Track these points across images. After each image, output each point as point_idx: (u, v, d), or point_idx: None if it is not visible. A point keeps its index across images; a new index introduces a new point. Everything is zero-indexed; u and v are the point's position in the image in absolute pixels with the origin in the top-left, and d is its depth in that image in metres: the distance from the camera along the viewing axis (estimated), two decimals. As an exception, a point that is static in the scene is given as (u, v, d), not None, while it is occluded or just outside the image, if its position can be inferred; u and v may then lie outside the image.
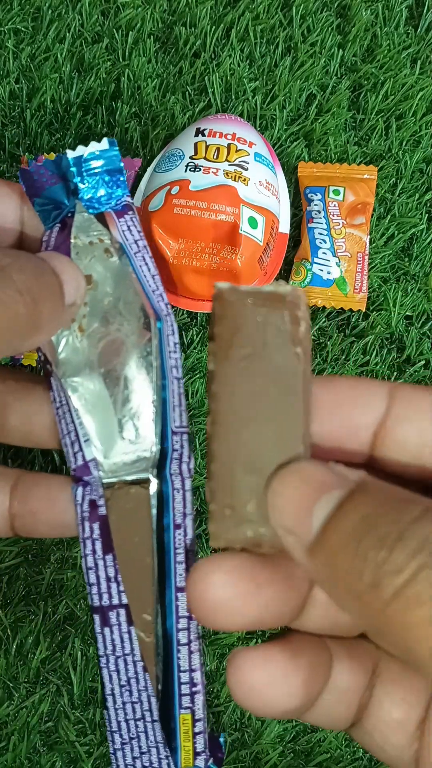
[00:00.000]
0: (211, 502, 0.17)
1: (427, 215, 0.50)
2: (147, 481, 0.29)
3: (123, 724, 0.29)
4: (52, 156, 0.50)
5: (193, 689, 0.28)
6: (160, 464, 0.29)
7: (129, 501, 0.29)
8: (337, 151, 0.50)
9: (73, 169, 0.29)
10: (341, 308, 0.47)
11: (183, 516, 0.29)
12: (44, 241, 0.29)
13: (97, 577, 0.28)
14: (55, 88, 0.52)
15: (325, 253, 0.47)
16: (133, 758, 0.29)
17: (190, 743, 0.28)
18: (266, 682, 0.17)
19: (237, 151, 0.44)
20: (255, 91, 0.52)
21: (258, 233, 0.43)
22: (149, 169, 0.48)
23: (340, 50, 0.53)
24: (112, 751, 0.29)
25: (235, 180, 0.43)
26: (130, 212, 0.30)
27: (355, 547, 0.15)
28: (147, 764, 0.29)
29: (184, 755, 0.28)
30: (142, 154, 0.51)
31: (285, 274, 0.48)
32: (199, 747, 0.28)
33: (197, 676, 0.28)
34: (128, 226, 0.29)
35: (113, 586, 0.28)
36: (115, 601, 0.28)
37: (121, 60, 0.53)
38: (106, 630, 0.28)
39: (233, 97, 0.52)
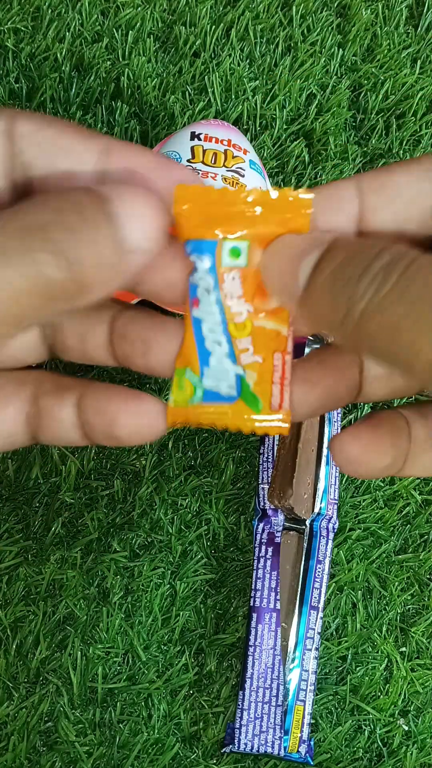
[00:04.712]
0: None
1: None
2: (303, 529, 0.43)
3: (253, 705, 0.38)
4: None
5: (309, 686, 0.37)
6: (315, 519, 0.42)
7: (290, 539, 0.42)
8: (337, 151, 0.50)
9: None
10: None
11: (324, 556, 0.42)
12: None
13: (263, 586, 0.40)
14: (55, 88, 0.52)
15: (223, 364, 0.25)
16: (253, 735, 0.37)
17: (298, 730, 0.37)
18: (360, 452, 0.23)
19: (234, 157, 0.44)
20: (255, 91, 0.52)
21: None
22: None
23: (340, 50, 0.53)
24: (237, 726, 0.38)
25: (232, 186, 0.43)
26: None
27: (330, 290, 0.19)
28: (263, 742, 0.37)
29: (292, 740, 0.37)
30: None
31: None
32: (304, 736, 0.37)
33: (313, 677, 0.37)
34: None
35: (272, 594, 0.39)
36: (271, 606, 0.39)
37: (120, 59, 0.53)
38: (259, 626, 0.39)
39: (233, 96, 0.52)
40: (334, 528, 0.43)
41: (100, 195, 0.20)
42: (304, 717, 0.38)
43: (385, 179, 0.21)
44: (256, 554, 0.41)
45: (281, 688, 0.38)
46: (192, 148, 0.44)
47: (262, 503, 0.43)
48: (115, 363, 0.27)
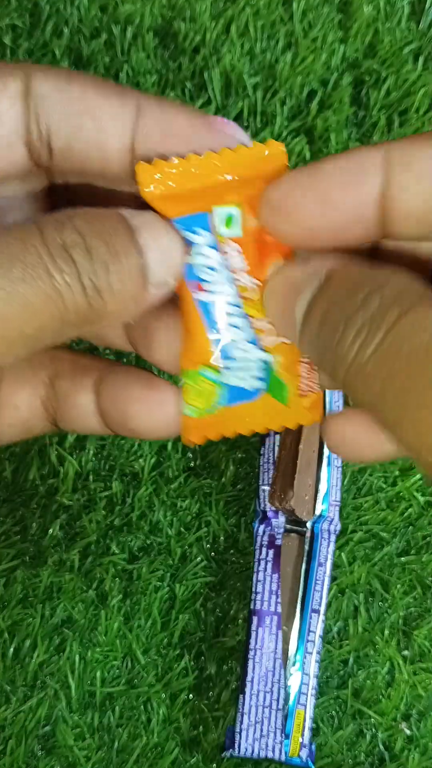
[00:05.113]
0: None
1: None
2: (305, 532, 0.42)
3: (253, 709, 0.37)
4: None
5: (311, 690, 0.36)
6: (317, 521, 0.42)
7: (291, 541, 0.42)
8: (338, 148, 0.50)
9: None
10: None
11: (325, 559, 0.41)
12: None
13: (263, 588, 0.39)
14: (53, 84, 0.52)
15: (245, 350, 0.21)
16: (254, 739, 0.37)
17: (299, 735, 0.36)
18: (352, 438, 0.20)
19: None
20: (255, 87, 0.51)
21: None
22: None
23: (342, 46, 0.52)
24: (237, 730, 0.38)
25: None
26: None
27: (317, 342, 0.18)
28: (263, 747, 0.37)
29: (292, 745, 0.36)
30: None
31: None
32: (305, 740, 0.36)
33: (314, 681, 0.36)
34: None
35: (273, 597, 0.39)
36: (272, 609, 0.39)
37: (119, 55, 0.52)
38: (260, 629, 0.39)
39: (233, 93, 0.51)
40: (335, 530, 0.42)
41: (130, 224, 0.19)
42: (305, 721, 0.37)
43: (416, 152, 0.18)
44: (257, 557, 0.40)
45: (282, 691, 0.38)
46: None
47: (262, 505, 0.42)
48: (130, 348, 0.25)
